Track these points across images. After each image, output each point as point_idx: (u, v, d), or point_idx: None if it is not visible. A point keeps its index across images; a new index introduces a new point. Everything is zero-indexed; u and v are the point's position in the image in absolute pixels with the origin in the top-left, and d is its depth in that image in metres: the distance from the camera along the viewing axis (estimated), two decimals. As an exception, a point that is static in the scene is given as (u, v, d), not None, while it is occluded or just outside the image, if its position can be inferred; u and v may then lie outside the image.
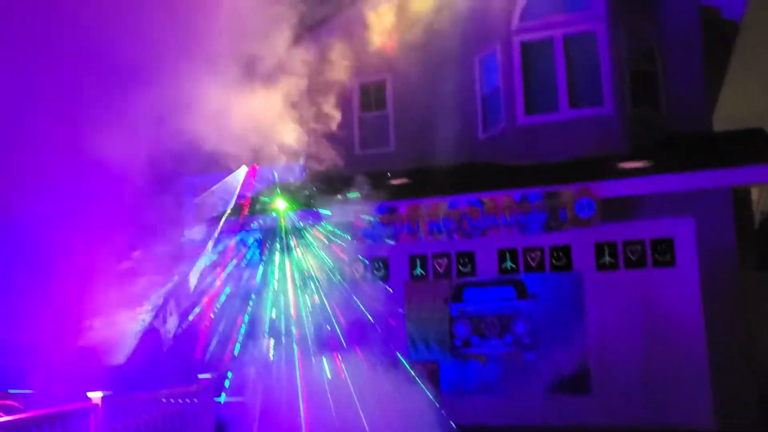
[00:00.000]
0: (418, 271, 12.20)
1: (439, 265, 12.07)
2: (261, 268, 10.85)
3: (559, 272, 11.39)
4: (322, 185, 11.84)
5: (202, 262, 11.54)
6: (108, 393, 7.10)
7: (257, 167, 12.02)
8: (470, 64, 13.37)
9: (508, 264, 11.61)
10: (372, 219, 11.65)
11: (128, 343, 10.70)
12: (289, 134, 10.43)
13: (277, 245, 10.75)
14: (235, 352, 10.20)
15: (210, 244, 11.63)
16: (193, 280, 11.69)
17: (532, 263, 11.49)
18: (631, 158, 11.31)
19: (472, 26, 13.12)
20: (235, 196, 11.35)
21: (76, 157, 9.44)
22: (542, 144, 12.10)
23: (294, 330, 10.04)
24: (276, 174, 11.15)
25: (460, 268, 11.94)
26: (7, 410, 7.56)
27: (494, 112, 12.89)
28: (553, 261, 11.40)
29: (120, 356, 10.52)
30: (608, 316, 11.04)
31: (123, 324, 10.64)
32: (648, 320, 10.83)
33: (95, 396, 7.04)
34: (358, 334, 10.45)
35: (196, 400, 8.69)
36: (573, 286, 11.35)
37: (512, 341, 11.58)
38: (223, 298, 10.98)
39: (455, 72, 13.30)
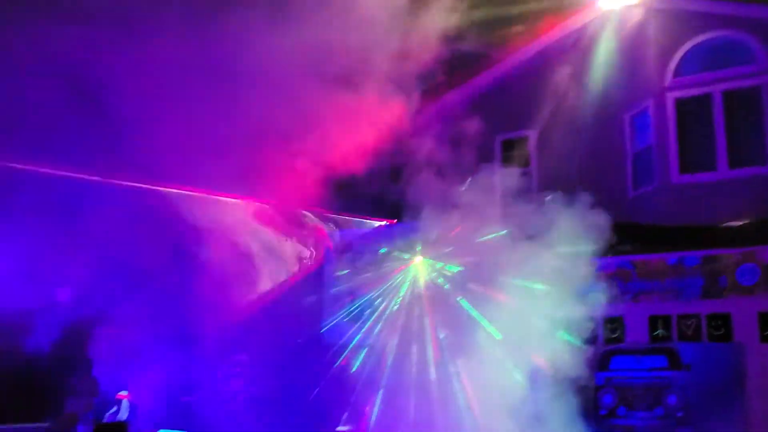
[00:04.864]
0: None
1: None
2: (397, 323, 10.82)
3: (717, 342, 10.57)
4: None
5: (342, 316, 11.61)
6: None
7: (396, 222, 12.09)
8: (620, 121, 12.92)
9: (661, 331, 10.89)
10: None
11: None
12: (429, 188, 10.43)
13: (412, 298, 10.71)
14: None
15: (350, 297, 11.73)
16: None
17: (687, 332, 10.72)
18: (801, 222, 10.47)
19: (622, 82, 12.75)
20: (377, 250, 11.44)
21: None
22: (698, 204, 11.44)
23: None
24: (415, 230, 11.14)
25: (608, 333, 11.34)
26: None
27: (646, 170, 12.37)
28: (711, 330, 10.57)
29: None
30: (773, 394, 10.12)
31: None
32: (821, 402, 9.84)
33: None
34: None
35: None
36: (733, 358, 10.46)
37: (663, 414, 10.74)
38: (363, 353, 10.97)
39: (603, 129, 12.90)
